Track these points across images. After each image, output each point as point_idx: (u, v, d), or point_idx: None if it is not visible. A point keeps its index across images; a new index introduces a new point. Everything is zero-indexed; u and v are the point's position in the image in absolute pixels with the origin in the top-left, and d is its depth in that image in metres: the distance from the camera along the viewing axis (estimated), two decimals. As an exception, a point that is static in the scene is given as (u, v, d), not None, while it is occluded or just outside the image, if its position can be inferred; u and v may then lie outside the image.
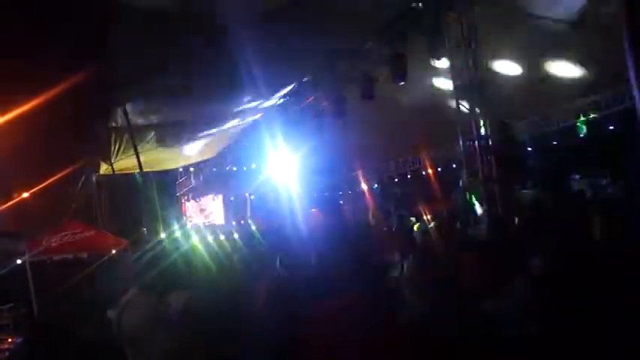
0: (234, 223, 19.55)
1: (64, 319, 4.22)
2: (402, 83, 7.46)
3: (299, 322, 1.76)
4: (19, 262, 7.37)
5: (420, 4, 6.19)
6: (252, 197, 20.51)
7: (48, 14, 5.31)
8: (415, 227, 7.67)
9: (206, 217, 20.46)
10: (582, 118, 11.05)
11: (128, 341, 2.81)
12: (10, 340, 4.96)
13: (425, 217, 7.36)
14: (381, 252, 5.12)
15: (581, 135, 11.67)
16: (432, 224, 6.81)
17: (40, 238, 8.12)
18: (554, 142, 12.16)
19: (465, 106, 6.05)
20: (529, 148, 12.47)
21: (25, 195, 10.55)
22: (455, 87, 6.05)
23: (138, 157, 8.87)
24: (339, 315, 1.85)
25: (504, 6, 6.14)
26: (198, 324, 2.75)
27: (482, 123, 5.92)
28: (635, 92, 3.12)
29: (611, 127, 10.96)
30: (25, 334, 4.78)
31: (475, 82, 5.90)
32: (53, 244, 8.13)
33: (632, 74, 2.99)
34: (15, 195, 10.18)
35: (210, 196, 20.31)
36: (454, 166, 12.61)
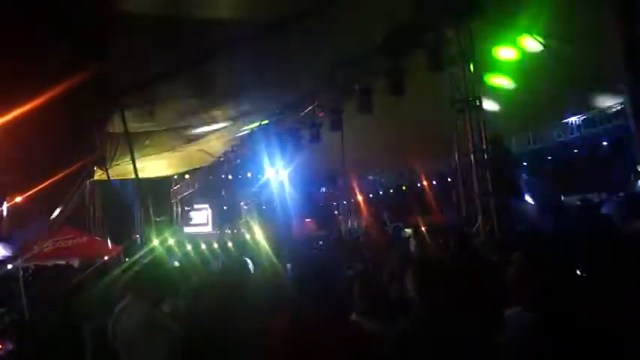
0: (227, 231, 19.52)
1: (56, 325, 4.16)
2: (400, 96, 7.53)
3: (298, 329, 1.76)
4: (10, 267, 7.29)
5: (420, 19, 6.28)
6: (246, 206, 20.50)
7: (49, 19, 5.33)
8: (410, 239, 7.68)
9: (201, 223, 20.40)
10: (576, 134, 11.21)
11: (123, 348, 2.79)
12: (0, 346, 4.89)
13: (420, 229, 7.36)
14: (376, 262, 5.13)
15: (575, 151, 11.81)
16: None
17: (33, 244, 8.04)
18: (549, 157, 12.27)
19: (461, 119, 6.11)
20: (524, 163, 12.59)
21: (19, 199, 10.46)
22: (452, 101, 6.12)
23: (134, 163, 8.84)
24: (339, 321, 1.86)
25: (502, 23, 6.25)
26: (193, 331, 2.74)
27: (478, 136, 5.98)
28: (629, 109, 3.17)
29: (605, 143, 11.09)
30: (16, 340, 4.71)
31: (472, 95, 5.97)
32: (45, 250, 8.05)
33: (627, 92, 3.04)
34: (8, 199, 10.10)
35: (205, 204, 20.28)
36: (449, 179, 12.69)
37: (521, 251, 2.22)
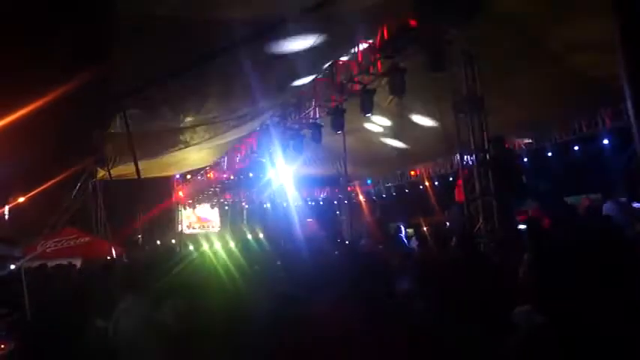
0: (229, 230, 19.55)
1: (58, 325, 4.16)
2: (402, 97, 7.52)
3: (300, 328, 1.76)
4: (13, 267, 7.30)
5: (421, 19, 6.27)
6: (247, 206, 20.52)
7: (51, 20, 5.35)
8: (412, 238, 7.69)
9: (202, 224, 20.44)
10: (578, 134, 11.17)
11: (124, 349, 2.79)
12: (2, 346, 4.91)
13: (422, 229, 7.37)
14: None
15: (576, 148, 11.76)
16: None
17: (36, 244, 8.08)
18: (549, 154, 12.23)
19: (463, 119, 6.10)
20: (524, 159, 12.55)
21: (21, 200, 10.49)
22: (454, 101, 6.11)
23: (136, 164, 8.86)
24: (340, 321, 1.86)
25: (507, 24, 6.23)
26: (195, 332, 2.74)
27: (480, 136, 5.97)
28: (631, 112, 3.15)
29: (606, 142, 11.03)
30: (19, 340, 4.73)
31: (474, 96, 5.96)
32: (48, 250, 8.11)
33: (627, 93, 3.01)
34: (11, 200, 10.13)
35: (206, 204, 20.32)
36: (451, 179, 12.66)
37: (531, 251, 2.22)
